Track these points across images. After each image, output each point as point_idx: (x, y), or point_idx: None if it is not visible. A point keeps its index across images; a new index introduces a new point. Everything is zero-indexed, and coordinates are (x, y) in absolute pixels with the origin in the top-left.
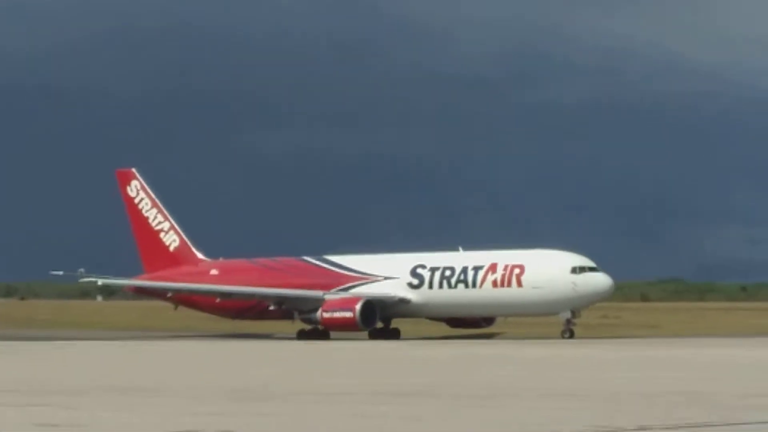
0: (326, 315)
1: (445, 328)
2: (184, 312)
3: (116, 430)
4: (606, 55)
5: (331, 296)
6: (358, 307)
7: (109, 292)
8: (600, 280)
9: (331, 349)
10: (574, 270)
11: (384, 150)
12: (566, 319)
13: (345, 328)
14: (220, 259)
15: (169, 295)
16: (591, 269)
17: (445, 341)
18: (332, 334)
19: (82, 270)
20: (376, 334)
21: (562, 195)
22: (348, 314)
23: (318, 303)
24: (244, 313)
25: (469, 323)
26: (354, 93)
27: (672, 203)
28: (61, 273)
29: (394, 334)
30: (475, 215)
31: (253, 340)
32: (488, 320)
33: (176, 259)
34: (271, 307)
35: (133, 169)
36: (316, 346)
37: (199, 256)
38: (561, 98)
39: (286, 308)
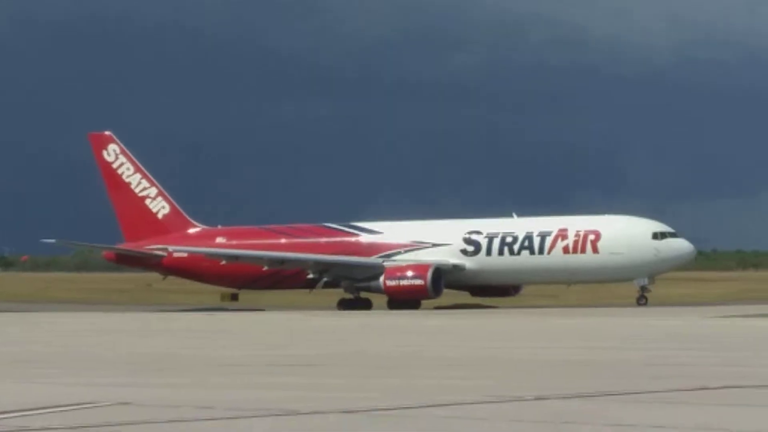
0: (391, 283)
1: (464, 297)
2: (89, 284)
3: (11, 402)
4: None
5: (391, 263)
6: (429, 274)
7: (6, 264)
8: (682, 246)
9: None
10: (655, 236)
11: None
12: (641, 286)
13: (414, 296)
14: (219, 227)
15: (223, 262)
16: (672, 235)
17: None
18: (387, 304)
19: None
20: (395, 305)
21: (467, 163)
22: (418, 282)
23: (376, 270)
24: (255, 282)
25: (495, 291)
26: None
27: (579, 174)
28: (53, 241)
29: (413, 304)
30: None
31: (165, 312)
32: (516, 288)
33: (165, 226)
34: (310, 275)
35: (108, 132)
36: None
37: (196, 223)
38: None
39: (330, 277)
